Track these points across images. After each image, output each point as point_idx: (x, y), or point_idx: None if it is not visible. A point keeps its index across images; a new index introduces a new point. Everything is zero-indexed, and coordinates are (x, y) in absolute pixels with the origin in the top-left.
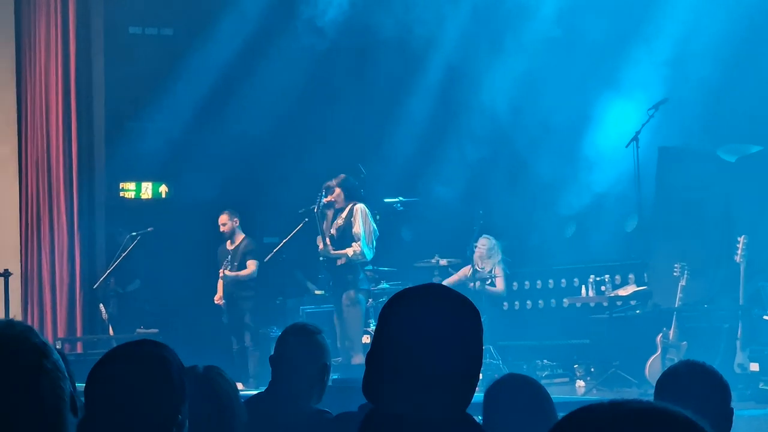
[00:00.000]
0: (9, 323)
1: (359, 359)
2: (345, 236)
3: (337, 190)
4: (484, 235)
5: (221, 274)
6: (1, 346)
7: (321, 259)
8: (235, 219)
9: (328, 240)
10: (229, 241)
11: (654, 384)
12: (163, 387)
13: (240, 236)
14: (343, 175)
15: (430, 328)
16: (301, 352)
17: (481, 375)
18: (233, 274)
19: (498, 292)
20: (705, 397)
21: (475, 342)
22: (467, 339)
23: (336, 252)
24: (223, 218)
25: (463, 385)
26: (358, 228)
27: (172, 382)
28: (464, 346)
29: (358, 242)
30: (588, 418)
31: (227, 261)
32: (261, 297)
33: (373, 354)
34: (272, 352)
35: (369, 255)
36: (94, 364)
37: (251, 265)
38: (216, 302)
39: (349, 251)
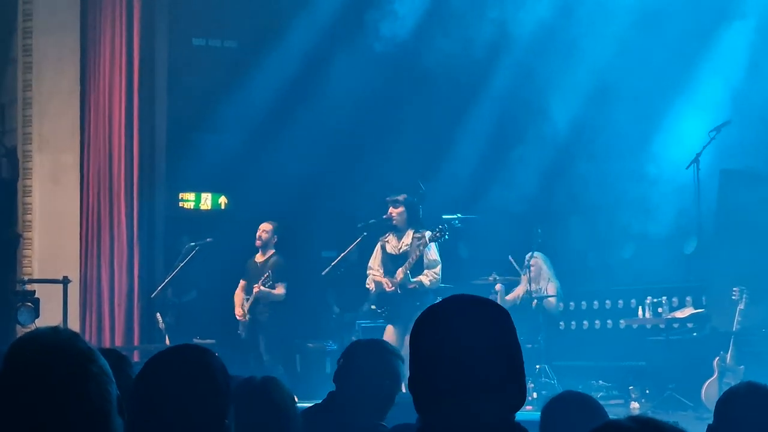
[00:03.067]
0: (55, 330)
1: None
2: (416, 263)
3: (401, 209)
4: (534, 253)
5: (255, 290)
6: (49, 351)
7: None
8: (275, 238)
9: (408, 272)
10: (260, 254)
11: (709, 407)
12: (208, 392)
13: (270, 251)
14: (406, 195)
15: (469, 334)
16: (368, 367)
17: (535, 394)
18: (267, 290)
19: (551, 303)
20: (766, 419)
21: (512, 340)
22: (505, 338)
23: (414, 280)
24: (267, 227)
25: (512, 385)
26: (433, 255)
27: (217, 387)
28: (504, 345)
29: (435, 269)
30: None
31: (267, 276)
32: (315, 311)
33: (416, 376)
34: (327, 367)
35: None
36: (140, 370)
37: (280, 288)
38: (238, 318)
39: (425, 279)
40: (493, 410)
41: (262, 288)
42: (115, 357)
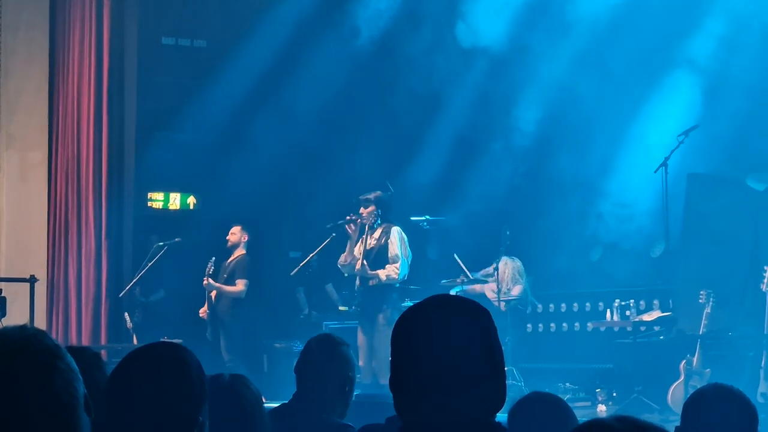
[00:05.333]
0: (22, 327)
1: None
2: (379, 257)
3: (371, 207)
4: (509, 257)
5: (204, 283)
6: (15, 347)
7: (346, 275)
8: (245, 235)
9: (365, 261)
10: (232, 256)
11: (675, 410)
12: (183, 388)
13: (240, 252)
14: (379, 192)
15: (451, 333)
16: (325, 362)
17: None
18: (217, 285)
19: (514, 297)
20: (732, 420)
21: (494, 339)
22: (486, 337)
23: (372, 272)
24: (236, 229)
25: (493, 383)
26: (395, 250)
27: (192, 383)
28: (485, 344)
29: (395, 264)
30: None
31: (210, 265)
32: (282, 311)
33: (397, 374)
34: (293, 365)
35: (402, 277)
36: (115, 367)
37: (240, 284)
38: (200, 315)
39: (383, 274)
40: (474, 409)
41: (210, 281)
42: (90, 354)
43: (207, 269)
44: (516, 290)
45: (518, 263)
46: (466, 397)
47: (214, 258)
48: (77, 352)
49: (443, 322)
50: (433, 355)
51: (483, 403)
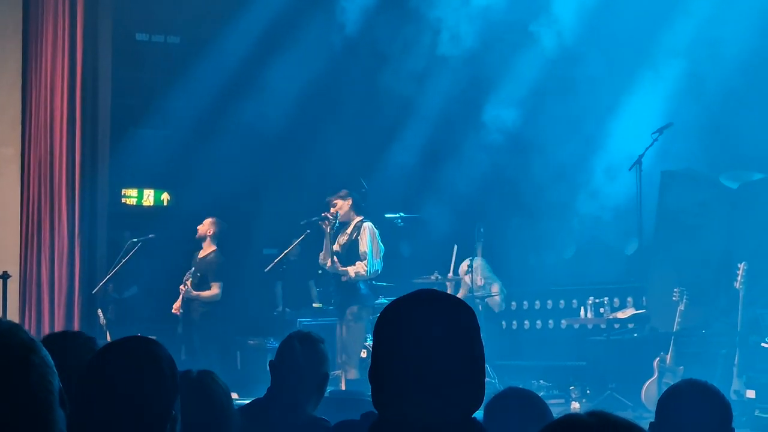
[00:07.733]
0: None
1: (354, 374)
2: (351, 253)
3: (341, 203)
4: (475, 259)
5: (181, 291)
6: None
7: (320, 272)
8: (212, 229)
9: (335, 258)
10: (202, 249)
11: (649, 407)
12: (155, 382)
13: (210, 248)
14: (345, 191)
15: (434, 330)
16: (306, 359)
17: None
18: (195, 293)
19: (495, 302)
20: (706, 416)
21: (476, 339)
22: (469, 337)
23: (342, 269)
24: (206, 221)
25: (472, 383)
26: (365, 247)
27: (164, 377)
28: (467, 343)
29: (364, 261)
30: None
31: (190, 273)
32: (256, 309)
33: (377, 368)
34: (268, 364)
35: (371, 273)
36: (87, 362)
37: (215, 288)
38: (174, 311)
39: (352, 270)
40: (452, 408)
41: (190, 290)
42: (85, 338)
43: (186, 280)
44: (495, 288)
45: (482, 261)
46: (445, 396)
47: (193, 269)
48: (72, 337)
49: (425, 319)
50: (412, 353)
51: (461, 402)
